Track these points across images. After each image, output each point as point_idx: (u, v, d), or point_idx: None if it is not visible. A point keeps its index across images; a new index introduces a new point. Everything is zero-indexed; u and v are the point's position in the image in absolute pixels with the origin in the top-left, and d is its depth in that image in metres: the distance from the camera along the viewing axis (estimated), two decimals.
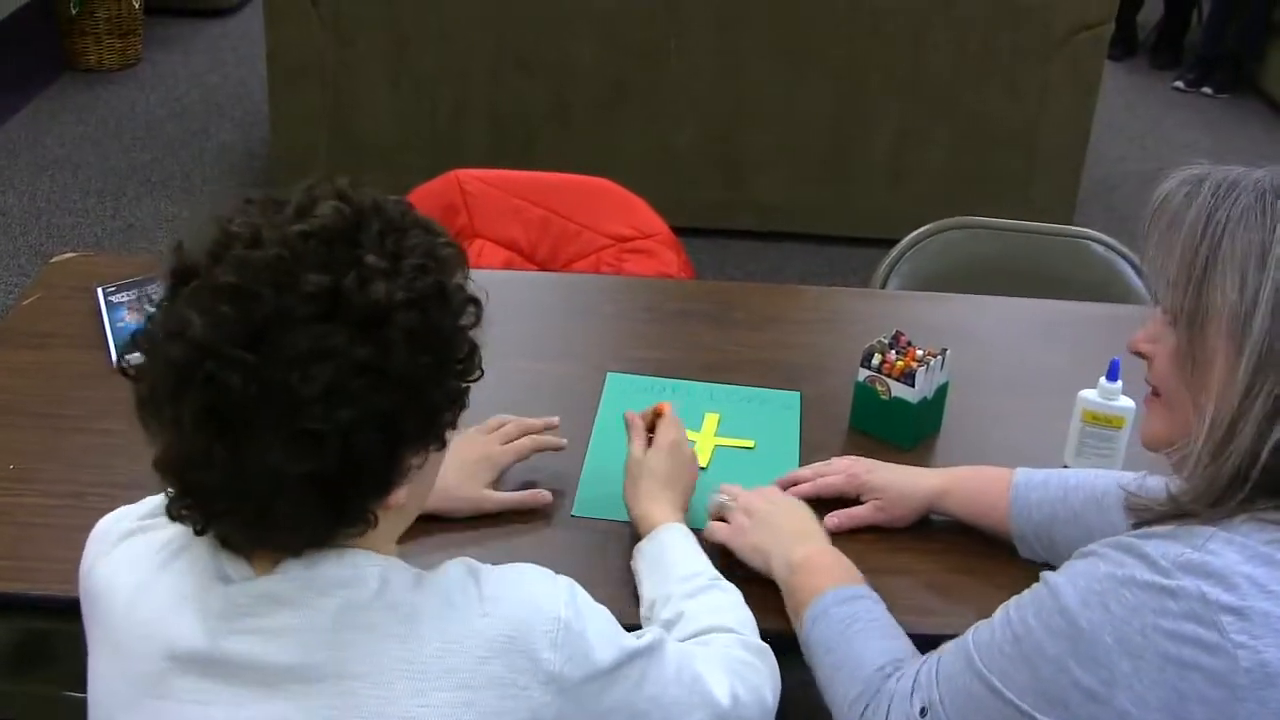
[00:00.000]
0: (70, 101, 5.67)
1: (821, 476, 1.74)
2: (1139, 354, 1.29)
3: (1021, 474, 1.66)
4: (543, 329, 2.16)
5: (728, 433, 1.90)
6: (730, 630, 1.41)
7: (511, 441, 1.73)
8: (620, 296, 2.28)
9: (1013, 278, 2.53)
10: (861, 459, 1.76)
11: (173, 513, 1.13)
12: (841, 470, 1.73)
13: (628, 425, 1.71)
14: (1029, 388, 2.07)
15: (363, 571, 1.13)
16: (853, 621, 1.42)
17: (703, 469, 1.79)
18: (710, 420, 1.92)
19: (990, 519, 1.66)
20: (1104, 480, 1.61)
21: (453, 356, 1.13)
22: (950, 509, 1.69)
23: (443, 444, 1.16)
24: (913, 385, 1.84)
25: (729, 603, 1.46)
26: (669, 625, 1.43)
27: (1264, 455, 1.15)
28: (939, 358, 1.88)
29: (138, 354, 1.11)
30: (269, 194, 1.14)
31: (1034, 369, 2.12)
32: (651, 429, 1.72)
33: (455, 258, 1.15)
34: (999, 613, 1.25)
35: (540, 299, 2.26)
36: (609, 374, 2.02)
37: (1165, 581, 1.12)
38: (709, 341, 2.14)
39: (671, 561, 1.50)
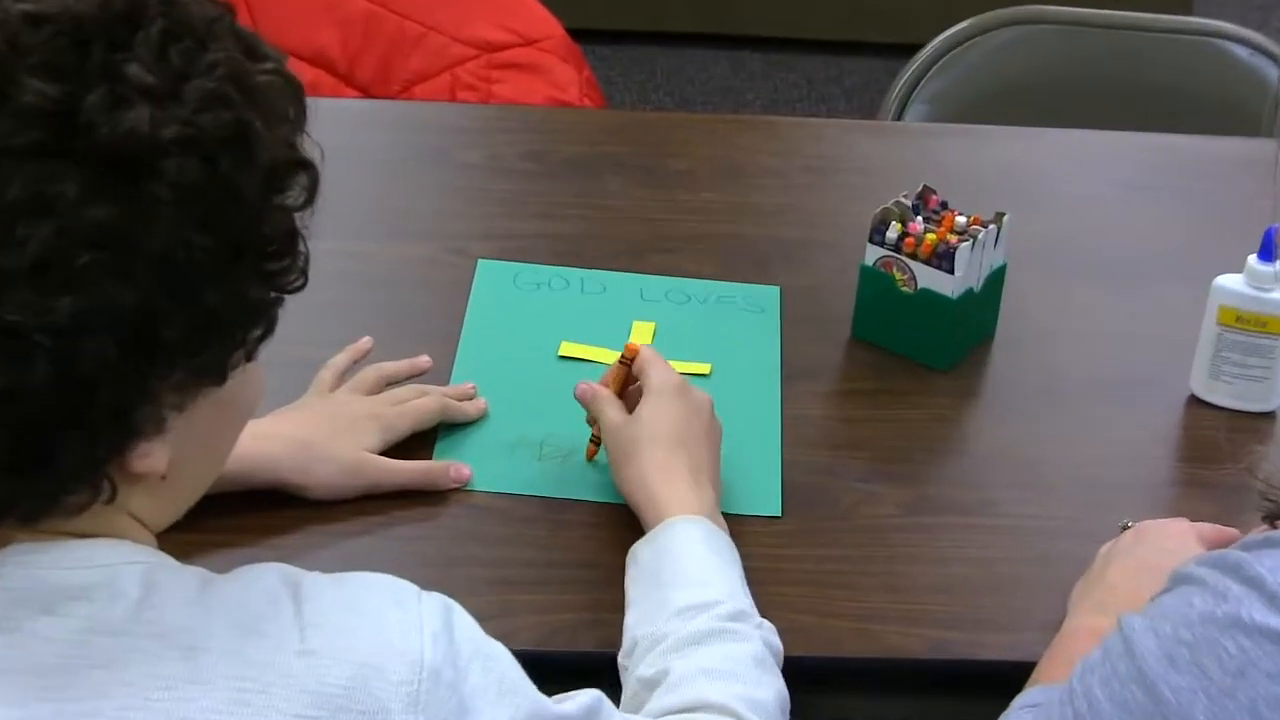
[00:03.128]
0: None
1: None
2: None
3: None
4: (370, 190, 2.13)
5: (669, 352, 1.83)
6: (730, 713, 1.39)
7: (407, 402, 1.75)
8: (490, 136, 2.28)
9: (1103, 100, 2.53)
10: None
11: None
12: None
13: (587, 401, 1.70)
14: (1132, 272, 2.07)
15: (115, 573, 1.11)
16: None
17: None
18: (641, 332, 1.91)
19: None
20: None
21: (255, 242, 1.11)
22: None
23: (222, 378, 1.14)
24: (951, 271, 1.83)
25: (742, 662, 1.43)
26: (649, 686, 1.42)
27: None
28: (991, 227, 1.86)
29: None
30: None
31: (1139, 242, 2.13)
32: (625, 386, 1.70)
33: (280, 94, 1.14)
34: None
35: (365, 141, 2.24)
36: (479, 261, 2.01)
37: None
38: (632, 206, 2.14)
39: (671, 580, 1.49)
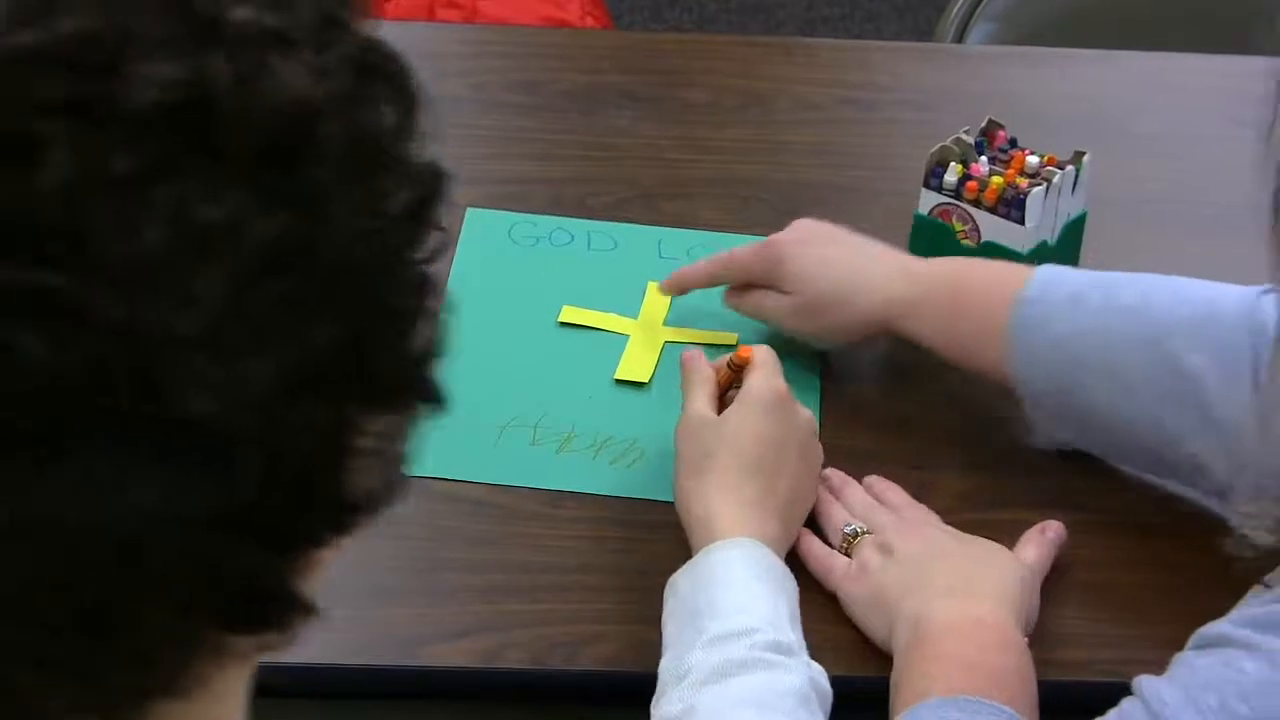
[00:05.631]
0: None
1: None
2: None
3: (1038, 282, 1.66)
4: None
5: (687, 319, 1.89)
6: None
7: None
8: (476, 63, 2.29)
9: (1204, 19, 2.54)
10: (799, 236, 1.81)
11: None
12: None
13: (687, 371, 1.69)
14: (1238, 226, 2.01)
15: None
16: None
17: (644, 385, 1.83)
18: (657, 295, 1.91)
19: (979, 359, 1.69)
20: (1194, 304, 1.62)
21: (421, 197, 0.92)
22: (914, 333, 1.73)
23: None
24: (1021, 220, 1.83)
25: (782, 695, 1.43)
26: None
27: None
28: (1069, 169, 1.87)
29: None
30: None
31: (1247, 189, 2.09)
32: (726, 389, 1.69)
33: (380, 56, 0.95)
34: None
35: None
36: (468, 210, 2.02)
37: None
38: (642, 145, 2.15)
39: (709, 606, 1.49)
